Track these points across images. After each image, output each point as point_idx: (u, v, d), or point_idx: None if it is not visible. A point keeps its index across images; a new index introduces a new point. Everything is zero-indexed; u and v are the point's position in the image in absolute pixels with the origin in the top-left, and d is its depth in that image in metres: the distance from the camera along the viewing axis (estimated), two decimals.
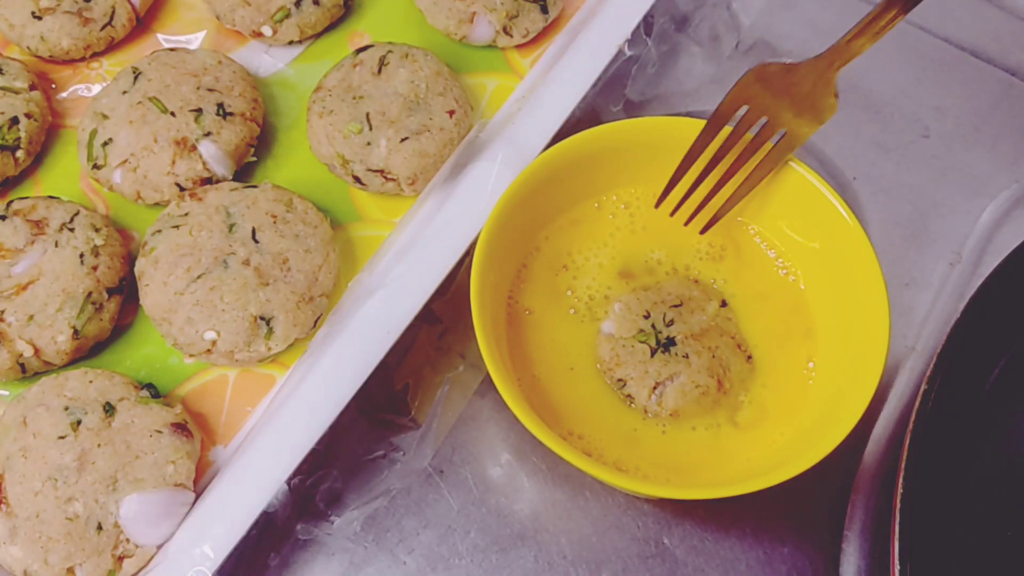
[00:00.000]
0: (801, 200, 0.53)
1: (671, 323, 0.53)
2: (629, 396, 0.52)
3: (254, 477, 0.49)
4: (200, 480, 0.52)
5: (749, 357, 0.53)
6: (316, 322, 0.55)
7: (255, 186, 0.57)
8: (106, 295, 0.54)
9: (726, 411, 0.52)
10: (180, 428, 0.51)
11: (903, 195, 0.66)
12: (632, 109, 0.68)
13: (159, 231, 0.55)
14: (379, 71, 0.61)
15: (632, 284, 0.55)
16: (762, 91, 0.53)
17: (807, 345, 0.53)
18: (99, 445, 0.49)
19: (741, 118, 0.53)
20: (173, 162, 0.57)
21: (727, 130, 0.53)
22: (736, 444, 0.51)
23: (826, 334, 0.53)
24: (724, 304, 0.54)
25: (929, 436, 0.49)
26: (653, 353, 0.52)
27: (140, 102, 0.58)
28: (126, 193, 0.58)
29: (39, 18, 0.62)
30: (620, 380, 0.52)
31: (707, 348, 0.52)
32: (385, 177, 0.59)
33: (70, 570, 0.48)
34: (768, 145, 0.53)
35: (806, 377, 0.53)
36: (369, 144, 0.58)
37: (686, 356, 0.52)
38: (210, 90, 0.60)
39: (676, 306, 0.53)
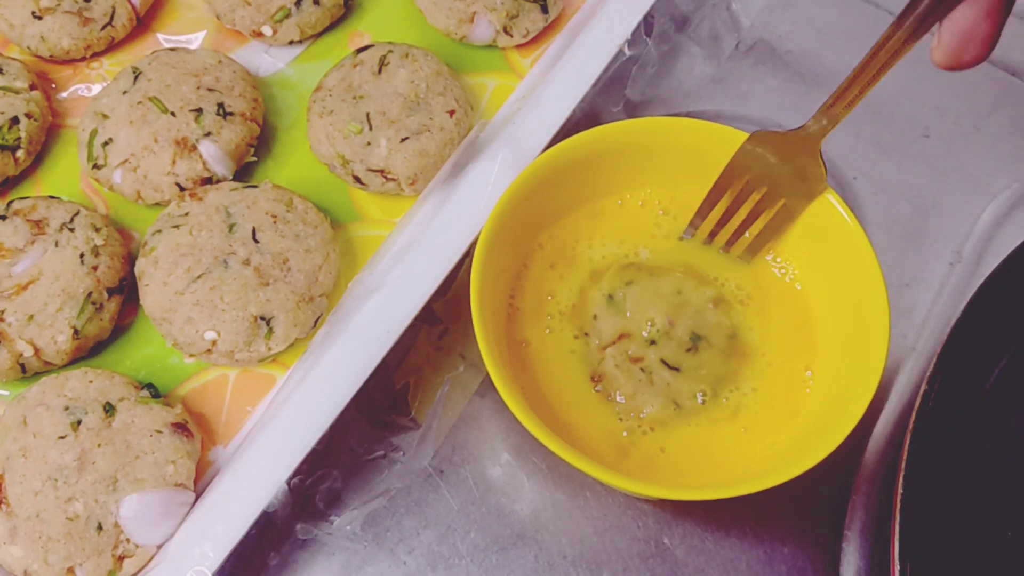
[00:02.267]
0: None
1: (658, 332, 0.52)
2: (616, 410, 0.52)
3: (254, 477, 0.49)
4: (200, 480, 0.52)
5: (743, 354, 0.53)
6: (316, 322, 0.55)
7: (255, 186, 0.57)
8: (106, 295, 0.54)
9: (719, 416, 0.52)
10: (180, 428, 0.51)
11: (903, 195, 0.66)
12: (632, 109, 0.68)
13: (159, 231, 0.55)
14: (379, 71, 0.61)
15: (627, 286, 0.54)
16: (761, 158, 0.52)
17: (806, 346, 0.53)
18: (99, 445, 0.49)
19: (743, 187, 0.53)
20: (173, 162, 0.57)
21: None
22: (735, 446, 0.51)
23: (825, 335, 0.53)
24: (717, 304, 0.54)
25: (929, 436, 0.49)
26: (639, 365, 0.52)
27: (140, 102, 0.58)
28: (126, 193, 0.58)
29: (39, 18, 0.62)
30: (607, 394, 0.52)
31: (693, 364, 0.52)
32: (385, 177, 0.59)
33: (70, 570, 0.48)
34: (769, 212, 0.53)
35: (805, 379, 0.53)
36: (369, 144, 0.58)
37: (673, 369, 0.52)
38: (210, 90, 0.60)
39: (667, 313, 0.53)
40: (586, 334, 0.53)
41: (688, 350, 0.52)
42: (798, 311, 0.54)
